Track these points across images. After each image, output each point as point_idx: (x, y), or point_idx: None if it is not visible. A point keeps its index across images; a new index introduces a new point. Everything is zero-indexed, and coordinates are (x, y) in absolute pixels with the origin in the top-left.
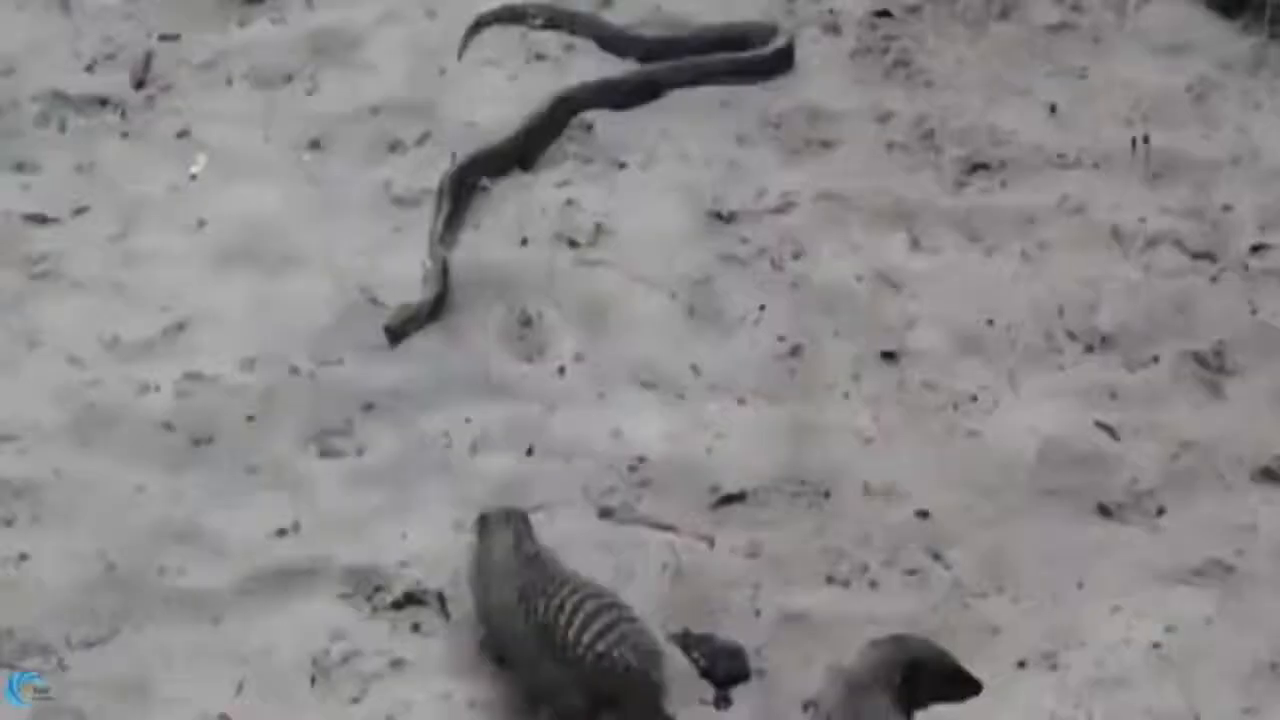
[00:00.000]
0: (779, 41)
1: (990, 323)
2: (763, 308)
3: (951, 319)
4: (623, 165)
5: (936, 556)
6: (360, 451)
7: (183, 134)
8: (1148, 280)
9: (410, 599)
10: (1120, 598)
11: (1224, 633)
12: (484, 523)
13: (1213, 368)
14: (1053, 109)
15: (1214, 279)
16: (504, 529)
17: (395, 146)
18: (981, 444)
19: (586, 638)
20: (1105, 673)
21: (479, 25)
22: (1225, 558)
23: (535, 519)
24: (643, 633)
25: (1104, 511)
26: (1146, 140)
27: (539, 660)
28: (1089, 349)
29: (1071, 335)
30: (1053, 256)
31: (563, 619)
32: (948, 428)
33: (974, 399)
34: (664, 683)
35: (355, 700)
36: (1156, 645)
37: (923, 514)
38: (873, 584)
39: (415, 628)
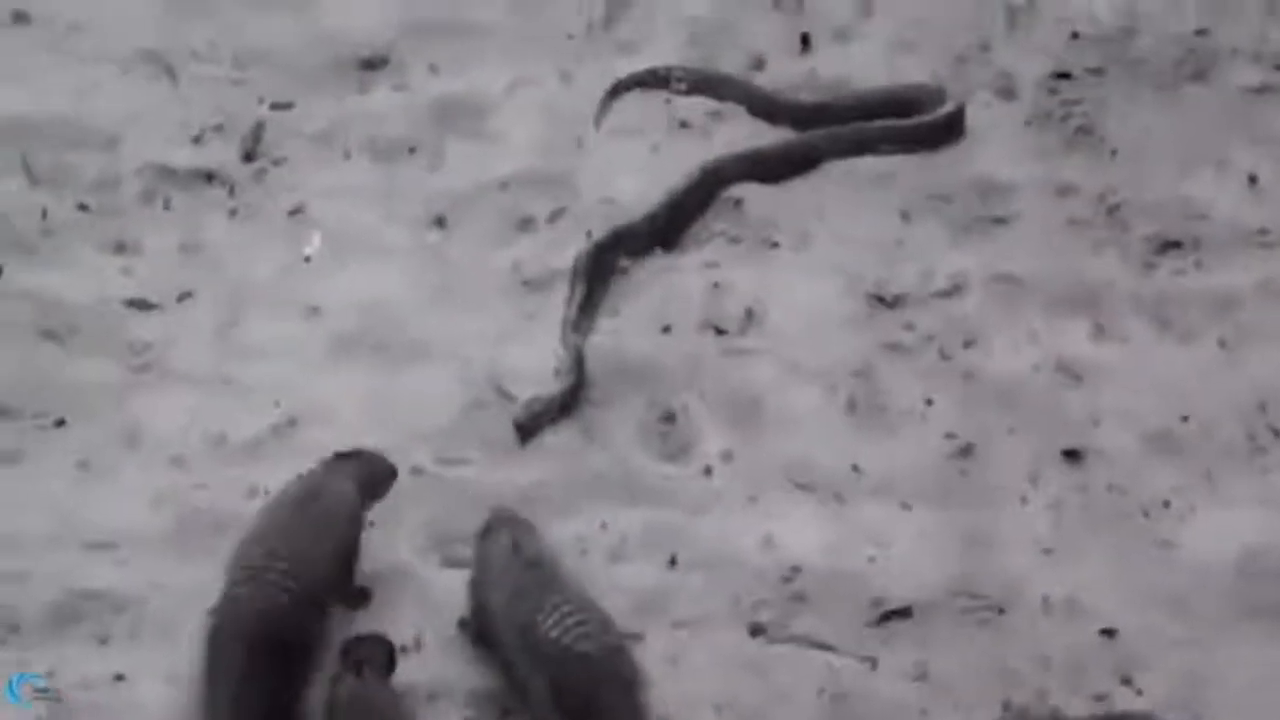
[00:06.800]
0: (947, 107)
1: (1185, 419)
2: (930, 402)
3: (1141, 415)
4: (775, 245)
5: (1125, 681)
6: None
7: (296, 211)
8: None
9: None
10: None
11: None
12: (487, 529)
13: None
14: (1253, 180)
15: None
16: (503, 534)
17: (526, 224)
18: (1175, 555)
19: (554, 633)
20: None
21: (618, 90)
22: None
23: (679, 635)
24: (609, 630)
25: None
26: None
27: (517, 662)
28: None
29: (1276, 433)
30: (1254, 345)
31: (539, 618)
32: (1137, 536)
33: (1167, 504)
34: (633, 675)
35: None
36: None
37: (1109, 633)
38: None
39: None
